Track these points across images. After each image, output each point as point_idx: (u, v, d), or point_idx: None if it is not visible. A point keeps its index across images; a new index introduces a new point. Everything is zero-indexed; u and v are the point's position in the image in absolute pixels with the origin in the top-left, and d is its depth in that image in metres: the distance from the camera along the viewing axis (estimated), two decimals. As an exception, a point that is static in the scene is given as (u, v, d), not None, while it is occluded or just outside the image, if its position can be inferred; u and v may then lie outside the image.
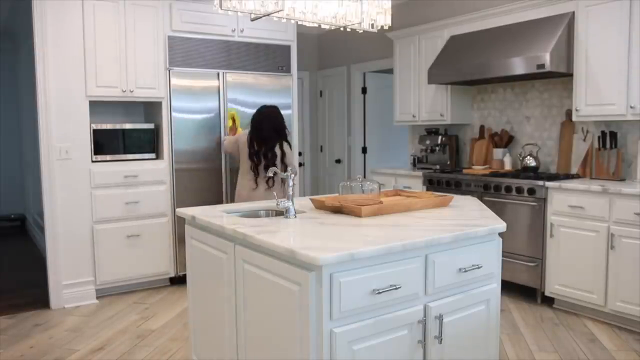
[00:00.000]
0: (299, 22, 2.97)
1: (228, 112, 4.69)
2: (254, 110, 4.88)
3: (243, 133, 4.26)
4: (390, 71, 5.99)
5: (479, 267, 2.17)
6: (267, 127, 4.09)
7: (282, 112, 5.05)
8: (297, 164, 4.31)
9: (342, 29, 3.10)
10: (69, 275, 4.16)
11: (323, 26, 3.02)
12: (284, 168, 4.06)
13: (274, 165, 4.06)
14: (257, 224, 2.28)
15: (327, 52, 7.26)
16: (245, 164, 4.15)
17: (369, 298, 1.83)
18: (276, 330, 1.96)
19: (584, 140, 4.26)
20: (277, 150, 4.09)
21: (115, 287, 4.41)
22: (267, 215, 2.82)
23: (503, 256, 4.11)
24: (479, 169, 4.77)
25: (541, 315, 3.82)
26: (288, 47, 5.10)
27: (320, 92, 7.41)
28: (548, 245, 3.91)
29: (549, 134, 4.55)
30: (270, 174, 2.76)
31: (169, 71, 4.49)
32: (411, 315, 1.96)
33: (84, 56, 4.13)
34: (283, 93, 5.08)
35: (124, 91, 4.32)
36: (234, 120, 4.68)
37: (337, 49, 7.03)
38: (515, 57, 4.03)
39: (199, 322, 2.68)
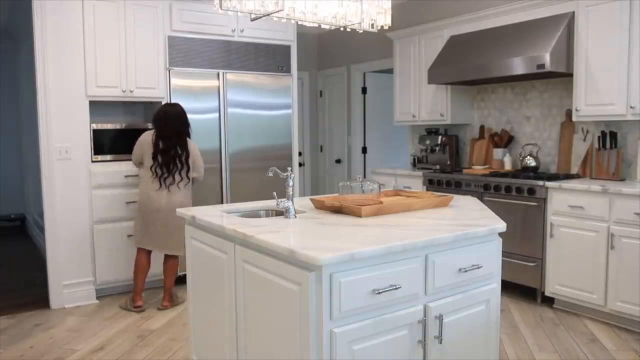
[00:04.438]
0: (299, 22, 2.97)
1: None
2: (254, 111, 4.94)
3: (146, 133, 4.02)
4: (390, 71, 5.99)
5: (479, 267, 2.17)
6: (172, 126, 3.93)
7: (282, 112, 5.11)
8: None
9: (342, 29, 3.11)
10: (69, 275, 4.16)
11: (323, 26, 3.02)
12: (188, 169, 3.97)
13: (180, 163, 3.91)
14: (257, 224, 2.28)
15: (327, 52, 7.26)
16: (149, 163, 3.93)
17: (369, 298, 1.83)
18: (276, 330, 1.96)
19: (584, 140, 4.26)
20: (183, 149, 3.95)
21: (116, 287, 4.41)
22: (267, 215, 2.82)
23: (503, 256, 4.11)
24: (479, 169, 4.77)
25: (541, 315, 3.82)
26: (288, 47, 5.11)
27: (320, 92, 7.41)
28: (548, 245, 3.91)
29: (549, 134, 4.55)
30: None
31: (169, 71, 4.49)
32: (411, 315, 1.96)
33: (84, 56, 4.14)
34: (283, 93, 5.08)
35: (124, 91, 4.32)
36: None
37: (337, 49, 7.04)
38: (515, 57, 4.03)
39: (199, 322, 2.68)
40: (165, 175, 3.91)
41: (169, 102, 4.20)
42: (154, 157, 3.91)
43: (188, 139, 4.03)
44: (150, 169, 3.91)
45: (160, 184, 3.91)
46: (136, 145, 4.03)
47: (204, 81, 4.65)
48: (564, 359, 3.11)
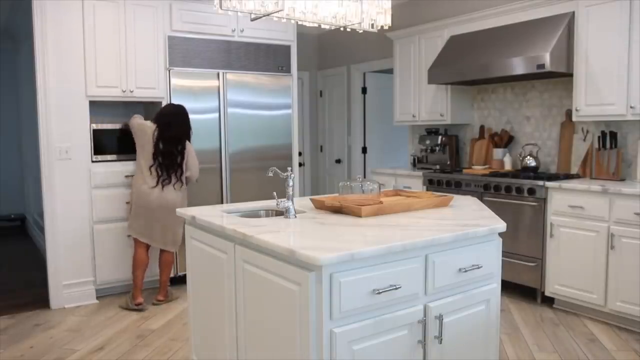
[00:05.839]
0: (299, 22, 2.97)
1: None
2: (254, 111, 4.93)
3: (147, 124, 4.06)
4: (390, 71, 5.99)
5: (479, 267, 2.17)
6: (176, 130, 4.00)
7: (282, 112, 5.11)
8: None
9: (342, 29, 3.11)
10: (69, 275, 4.16)
11: (323, 26, 3.02)
12: (182, 172, 4.03)
13: (176, 165, 3.97)
14: (257, 224, 2.28)
15: (327, 52, 7.26)
16: (147, 161, 3.98)
17: (369, 298, 1.83)
18: (276, 330, 1.96)
19: (584, 140, 4.26)
20: (180, 153, 4.02)
21: (116, 287, 4.41)
22: (267, 215, 2.82)
23: (503, 256, 4.11)
24: (479, 169, 4.77)
25: (541, 315, 3.82)
26: (288, 47, 5.10)
27: (320, 92, 7.41)
28: (548, 245, 3.91)
29: (549, 134, 4.55)
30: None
31: (169, 71, 4.49)
32: (411, 315, 1.96)
33: (84, 56, 4.13)
34: (283, 93, 5.08)
35: (124, 91, 4.32)
36: None
37: (337, 49, 7.03)
38: (515, 57, 4.03)
39: (199, 322, 2.68)
40: (164, 177, 3.97)
41: (173, 103, 4.21)
42: (154, 157, 3.96)
43: (188, 142, 4.08)
44: (150, 168, 3.96)
45: (157, 183, 3.96)
46: (138, 130, 4.03)
47: (204, 81, 4.65)
48: (564, 359, 3.11)
